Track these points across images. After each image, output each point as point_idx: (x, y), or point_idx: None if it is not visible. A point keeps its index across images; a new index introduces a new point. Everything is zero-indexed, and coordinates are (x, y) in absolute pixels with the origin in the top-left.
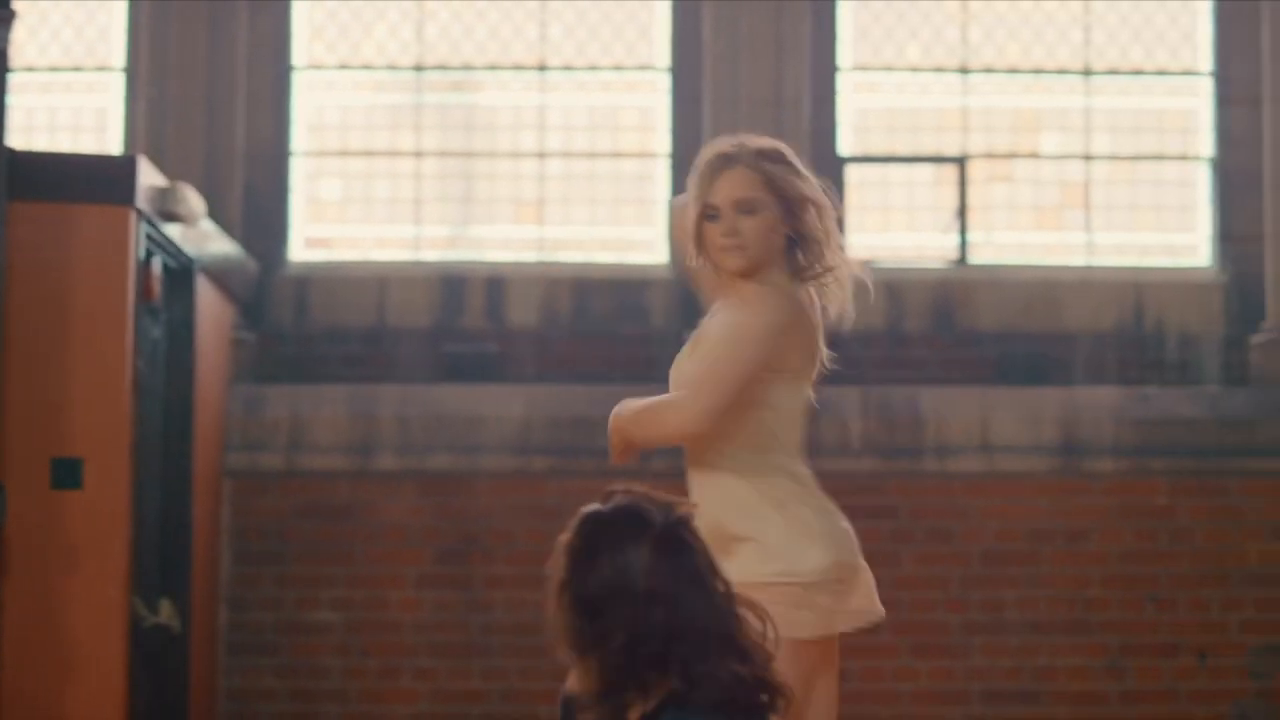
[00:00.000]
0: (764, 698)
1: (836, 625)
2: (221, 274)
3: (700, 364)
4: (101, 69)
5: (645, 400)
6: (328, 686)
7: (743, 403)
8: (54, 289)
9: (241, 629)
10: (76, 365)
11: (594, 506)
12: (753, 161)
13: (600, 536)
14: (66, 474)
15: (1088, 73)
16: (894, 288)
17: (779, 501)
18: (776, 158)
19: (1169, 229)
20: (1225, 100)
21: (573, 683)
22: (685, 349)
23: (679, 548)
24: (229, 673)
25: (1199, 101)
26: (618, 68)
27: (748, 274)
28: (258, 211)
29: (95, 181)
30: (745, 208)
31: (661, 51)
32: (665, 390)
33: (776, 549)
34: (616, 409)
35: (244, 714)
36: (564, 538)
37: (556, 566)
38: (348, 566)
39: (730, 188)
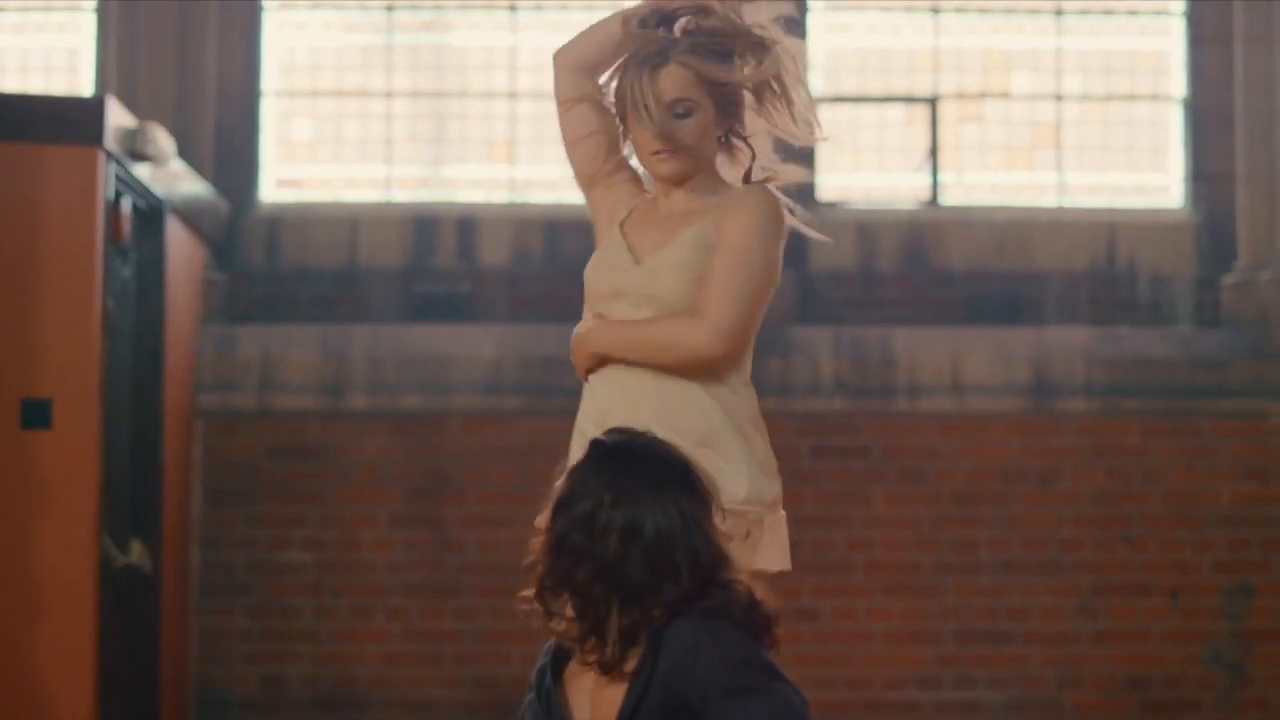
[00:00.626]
0: (764, 622)
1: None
2: (192, 214)
3: (712, 275)
4: (72, 9)
5: (630, 322)
6: (299, 626)
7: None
8: (22, 230)
9: (213, 569)
10: (45, 306)
11: (609, 439)
12: (685, 57)
13: (635, 468)
14: (36, 414)
15: (1059, 13)
16: (866, 228)
17: (757, 424)
18: (710, 44)
19: (1141, 169)
20: (1197, 40)
21: (559, 626)
22: (654, 257)
23: (696, 481)
24: (201, 613)
25: (1171, 41)
26: (587, 8)
27: (680, 181)
28: (229, 152)
29: (64, 122)
30: (681, 110)
31: None
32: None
33: (750, 474)
34: (582, 329)
35: (216, 654)
36: (587, 471)
37: (583, 501)
38: (319, 506)
39: (664, 86)
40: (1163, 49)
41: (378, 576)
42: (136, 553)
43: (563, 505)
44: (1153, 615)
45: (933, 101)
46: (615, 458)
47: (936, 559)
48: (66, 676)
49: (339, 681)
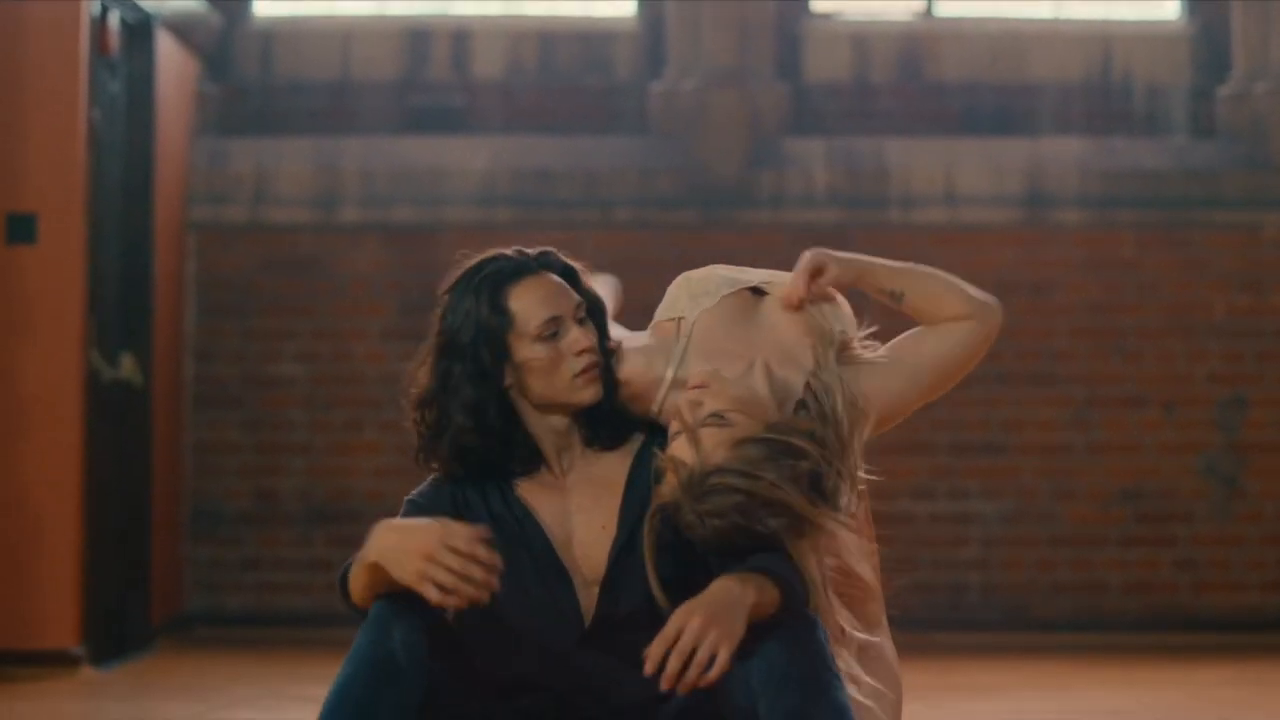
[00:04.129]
0: None
1: None
2: (183, 27)
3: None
4: None
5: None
6: (292, 439)
7: None
8: (6, 44)
9: (206, 382)
10: (30, 121)
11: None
12: None
13: None
14: (20, 229)
15: None
16: (860, 39)
17: None
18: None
19: None
20: None
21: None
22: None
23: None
24: (194, 426)
25: None
26: None
27: None
28: None
29: None
30: None
31: None
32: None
33: None
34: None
35: (209, 467)
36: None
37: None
38: (312, 319)
39: None
40: None
41: (370, 389)
42: (127, 367)
43: None
44: (1147, 427)
45: None
46: None
47: None
48: (52, 492)
49: (331, 494)
